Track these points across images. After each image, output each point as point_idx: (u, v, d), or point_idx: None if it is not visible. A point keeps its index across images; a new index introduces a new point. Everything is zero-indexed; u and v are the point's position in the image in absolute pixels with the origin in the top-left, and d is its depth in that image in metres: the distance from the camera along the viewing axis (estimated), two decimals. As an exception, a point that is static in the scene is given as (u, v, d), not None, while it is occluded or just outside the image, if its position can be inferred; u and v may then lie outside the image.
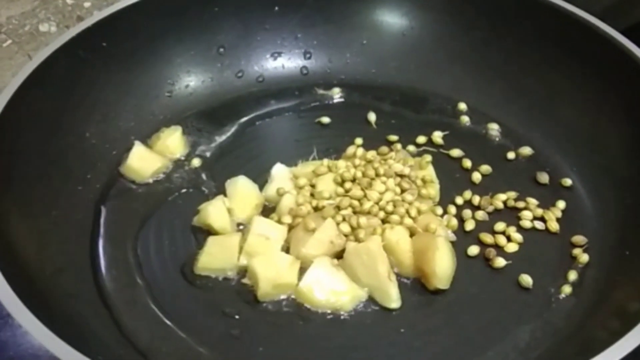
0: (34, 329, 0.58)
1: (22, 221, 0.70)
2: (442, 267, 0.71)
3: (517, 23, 0.86)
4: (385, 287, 0.71)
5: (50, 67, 0.77)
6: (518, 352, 0.68)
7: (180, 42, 0.88)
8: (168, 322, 0.70)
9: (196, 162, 0.84)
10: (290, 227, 0.76)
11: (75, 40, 0.80)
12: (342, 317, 0.71)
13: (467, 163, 0.84)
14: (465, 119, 0.89)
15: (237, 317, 0.71)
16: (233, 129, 0.87)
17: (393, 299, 0.71)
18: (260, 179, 0.81)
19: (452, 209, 0.79)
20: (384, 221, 0.76)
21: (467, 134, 0.87)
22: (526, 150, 0.85)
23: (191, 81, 0.90)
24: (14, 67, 1.07)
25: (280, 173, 0.80)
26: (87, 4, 1.14)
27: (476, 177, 0.82)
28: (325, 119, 0.89)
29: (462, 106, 0.90)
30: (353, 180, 0.78)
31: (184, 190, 0.81)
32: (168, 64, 0.88)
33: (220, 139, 0.86)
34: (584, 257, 0.75)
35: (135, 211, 0.79)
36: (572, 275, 0.73)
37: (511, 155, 0.85)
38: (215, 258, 0.73)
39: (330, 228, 0.74)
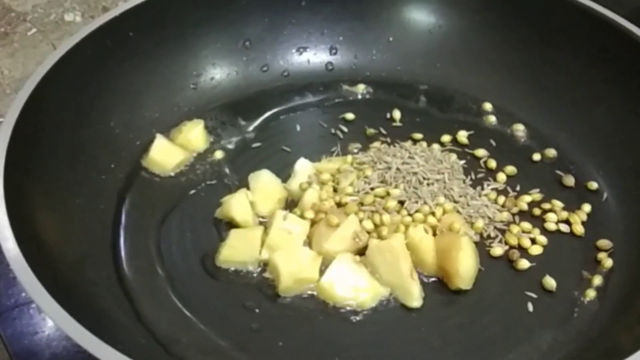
0: (56, 316, 0.57)
1: (46, 209, 0.70)
2: (465, 267, 0.71)
3: (545, 23, 0.85)
4: (407, 285, 0.71)
5: (77, 55, 0.77)
6: (540, 354, 0.68)
7: (207, 34, 0.88)
8: (188, 313, 0.70)
9: (219, 154, 0.83)
10: (313, 222, 0.75)
11: (102, 29, 0.80)
12: (362, 314, 0.70)
13: (492, 163, 0.83)
14: (491, 119, 0.88)
15: (257, 310, 0.70)
16: (257, 123, 0.87)
17: (414, 297, 0.71)
18: (283, 173, 0.81)
19: (477, 209, 0.78)
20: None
21: (492, 134, 0.87)
22: (552, 152, 0.84)
23: (216, 74, 0.90)
24: (37, 55, 1.07)
25: (303, 168, 0.80)
26: (112, -5, 1.15)
27: (501, 177, 0.81)
28: (350, 115, 0.88)
29: (488, 106, 0.89)
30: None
31: (206, 183, 0.81)
32: (194, 56, 0.88)
33: (243, 132, 0.86)
34: (609, 262, 0.74)
35: (158, 202, 0.79)
36: (597, 280, 0.73)
37: (537, 156, 0.84)
38: (237, 251, 0.73)
39: (353, 224, 0.74)
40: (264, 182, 0.79)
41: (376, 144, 0.84)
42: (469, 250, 0.72)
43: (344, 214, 0.75)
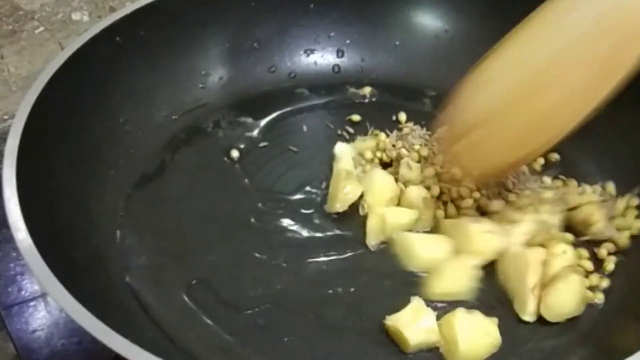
0: (69, 306, 0.58)
1: (57, 202, 0.71)
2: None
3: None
4: (525, 298, 0.70)
5: (88, 52, 0.78)
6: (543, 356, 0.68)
7: (216, 34, 0.89)
8: (195, 308, 0.70)
9: (235, 153, 0.84)
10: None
11: (114, 27, 0.81)
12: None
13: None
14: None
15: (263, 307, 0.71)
16: (264, 123, 0.88)
17: (528, 312, 0.70)
18: (291, 172, 0.82)
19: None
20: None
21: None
22: (555, 157, 0.84)
23: (225, 74, 0.90)
24: (44, 54, 1.08)
25: (344, 150, 0.82)
26: (119, -5, 1.15)
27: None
28: (356, 117, 0.89)
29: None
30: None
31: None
32: (203, 56, 0.89)
33: (251, 131, 0.87)
34: (611, 265, 0.75)
35: (166, 199, 0.79)
36: (602, 282, 0.73)
37: (540, 160, 0.84)
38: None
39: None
40: (377, 180, 0.79)
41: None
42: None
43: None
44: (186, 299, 0.71)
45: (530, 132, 0.69)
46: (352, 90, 0.92)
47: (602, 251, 0.75)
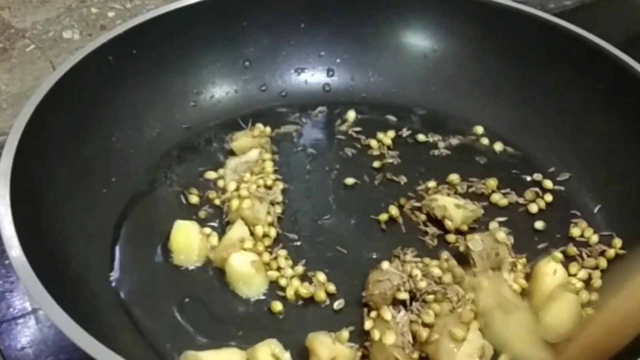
0: (62, 323, 0.58)
1: (50, 220, 0.71)
2: None
3: (539, 50, 0.88)
4: None
5: (81, 71, 0.79)
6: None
7: (207, 53, 0.90)
8: (187, 325, 0.71)
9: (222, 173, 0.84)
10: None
11: (106, 47, 0.81)
12: None
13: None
14: (484, 141, 0.90)
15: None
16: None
17: None
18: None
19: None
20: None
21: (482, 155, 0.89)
22: (540, 177, 0.86)
23: (216, 92, 0.91)
24: (35, 71, 1.08)
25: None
26: (110, 14, 1.16)
27: (495, 198, 0.83)
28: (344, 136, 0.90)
29: (479, 129, 0.91)
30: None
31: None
32: (194, 75, 0.90)
33: (242, 151, 0.88)
34: (598, 282, 0.75)
35: (159, 216, 0.80)
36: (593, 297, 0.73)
37: (528, 178, 0.86)
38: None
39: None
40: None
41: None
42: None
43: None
44: (178, 316, 0.71)
45: None
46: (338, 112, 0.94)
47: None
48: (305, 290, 0.72)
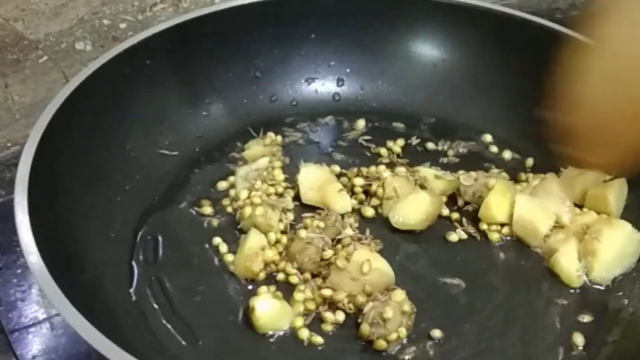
0: (79, 326, 0.59)
1: (66, 227, 0.72)
2: None
3: (547, 59, 0.88)
4: None
5: (96, 81, 0.80)
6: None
7: (219, 64, 0.91)
8: (199, 335, 0.71)
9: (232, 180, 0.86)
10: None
11: (120, 57, 0.83)
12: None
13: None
14: (493, 150, 0.91)
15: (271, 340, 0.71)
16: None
17: None
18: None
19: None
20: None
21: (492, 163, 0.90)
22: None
23: (227, 102, 0.92)
24: (48, 82, 1.09)
25: None
26: (122, 25, 1.17)
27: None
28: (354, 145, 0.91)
29: (488, 137, 0.92)
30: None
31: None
32: (206, 85, 0.91)
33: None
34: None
35: (172, 222, 0.81)
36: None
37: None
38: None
39: None
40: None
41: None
42: None
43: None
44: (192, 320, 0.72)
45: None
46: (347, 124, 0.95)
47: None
48: None
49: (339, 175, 0.85)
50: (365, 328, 0.69)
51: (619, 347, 0.71)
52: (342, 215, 0.80)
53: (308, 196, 0.82)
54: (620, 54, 0.63)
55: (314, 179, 0.82)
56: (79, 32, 1.16)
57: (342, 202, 0.81)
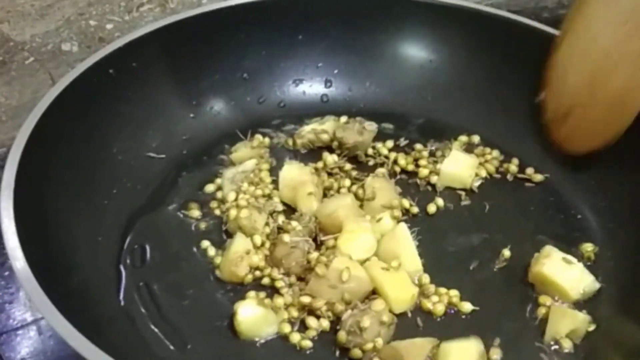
0: (66, 333, 0.59)
1: (53, 231, 0.72)
2: None
3: (534, 59, 0.89)
4: None
5: (82, 83, 0.80)
6: None
7: (206, 66, 0.91)
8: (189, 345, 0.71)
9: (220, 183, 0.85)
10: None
11: (107, 59, 0.83)
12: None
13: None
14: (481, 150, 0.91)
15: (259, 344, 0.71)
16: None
17: None
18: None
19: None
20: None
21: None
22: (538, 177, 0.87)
23: (215, 104, 0.92)
24: (34, 84, 1.08)
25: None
26: (109, 26, 1.16)
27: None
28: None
29: (476, 138, 0.92)
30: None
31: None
32: (194, 87, 0.91)
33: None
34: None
35: (159, 225, 0.81)
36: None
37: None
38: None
39: None
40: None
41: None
42: None
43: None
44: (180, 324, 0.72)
45: (615, 109, 0.67)
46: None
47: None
48: None
49: (329, 174, 0.85)
50: (342, 336, 0.69)
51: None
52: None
53: (284, 193, 0.82)
54: (592, 44, 0.64)
55: (291, 177, 0.82)
56: (65, 33, 1.15)
57: (308, 204, 0.80)
